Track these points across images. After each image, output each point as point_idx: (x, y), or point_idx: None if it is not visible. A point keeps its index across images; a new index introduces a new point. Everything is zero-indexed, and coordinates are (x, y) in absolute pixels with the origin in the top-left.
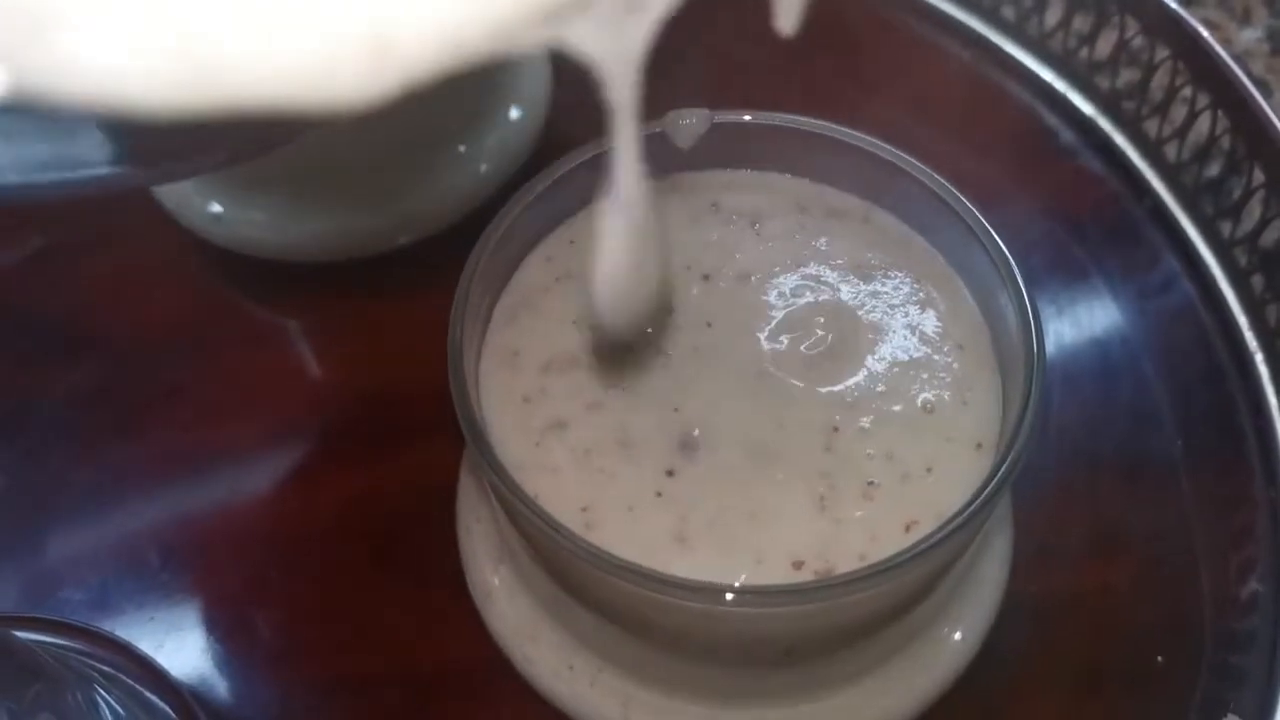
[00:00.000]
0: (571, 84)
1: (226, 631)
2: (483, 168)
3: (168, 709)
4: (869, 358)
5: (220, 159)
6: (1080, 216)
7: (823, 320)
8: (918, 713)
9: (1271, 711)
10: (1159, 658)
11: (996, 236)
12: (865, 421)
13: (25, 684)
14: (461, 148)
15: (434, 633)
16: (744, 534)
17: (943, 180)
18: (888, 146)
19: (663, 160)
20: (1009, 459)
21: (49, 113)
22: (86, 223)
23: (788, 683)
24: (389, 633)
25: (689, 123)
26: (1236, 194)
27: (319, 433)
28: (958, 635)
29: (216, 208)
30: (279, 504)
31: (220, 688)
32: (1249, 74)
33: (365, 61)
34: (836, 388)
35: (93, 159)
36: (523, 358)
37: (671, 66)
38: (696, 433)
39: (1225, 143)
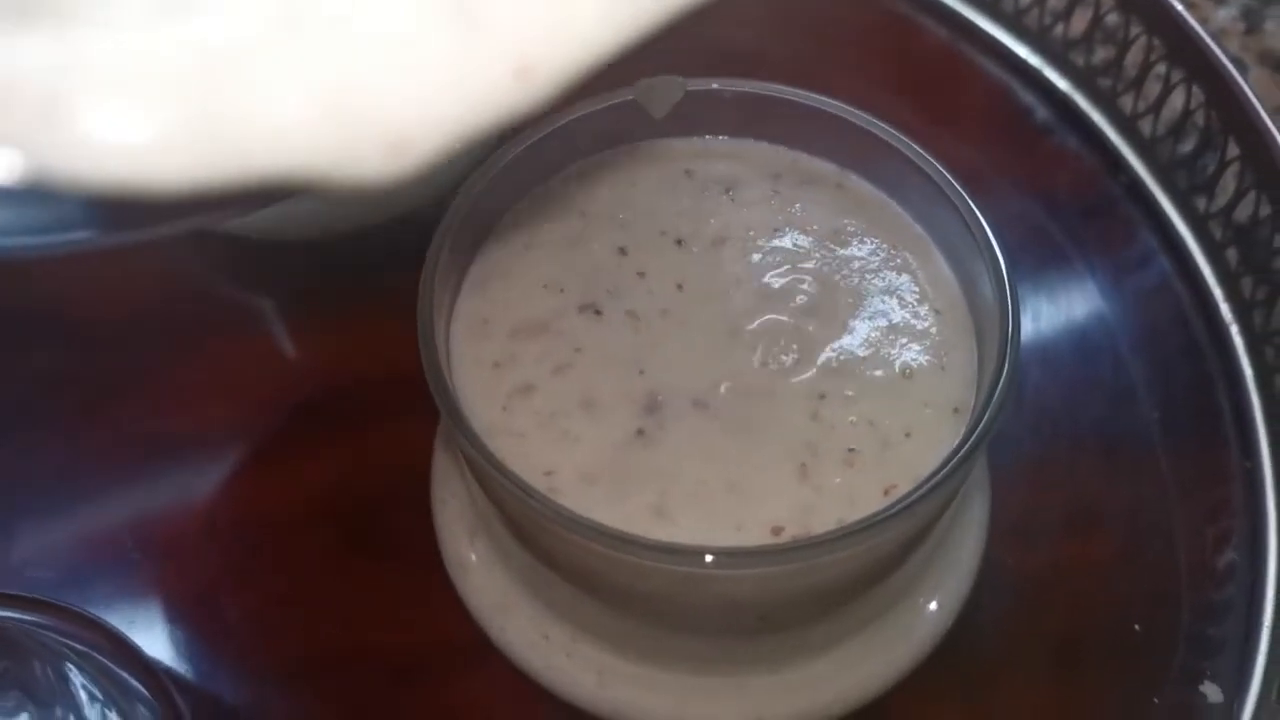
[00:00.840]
0: None
1: (199, 611)
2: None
3: (140, 687)
4: (849, 322)
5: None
6: (1056, 193)
7: (800, 285)
8: (894, 681)
9: (1248, 680)
10: (1136, 627)
11: (971, 202)
12: (849, 389)
13: None
14: None
15: (409, 610)
16: (721, 500)
17: (917, 147)
18: (861, 113)
19: (636, 128)
20: (984, 421)
21: (62, 194)
22: None
23: (763, 651)
24: (364, 610)
25: (662, 90)
26: (1211, 168)
27: (292, 414)
28: (934, 605)
29: None
30: (252, 485)
31: (193, 666)
32: (1224, 51)
33: (382, 152)
34: (819, 355)
35: (77, 221)
36: (492, 324)
37: (639, 47)
38: (660, 396)
39: (1199, 118)
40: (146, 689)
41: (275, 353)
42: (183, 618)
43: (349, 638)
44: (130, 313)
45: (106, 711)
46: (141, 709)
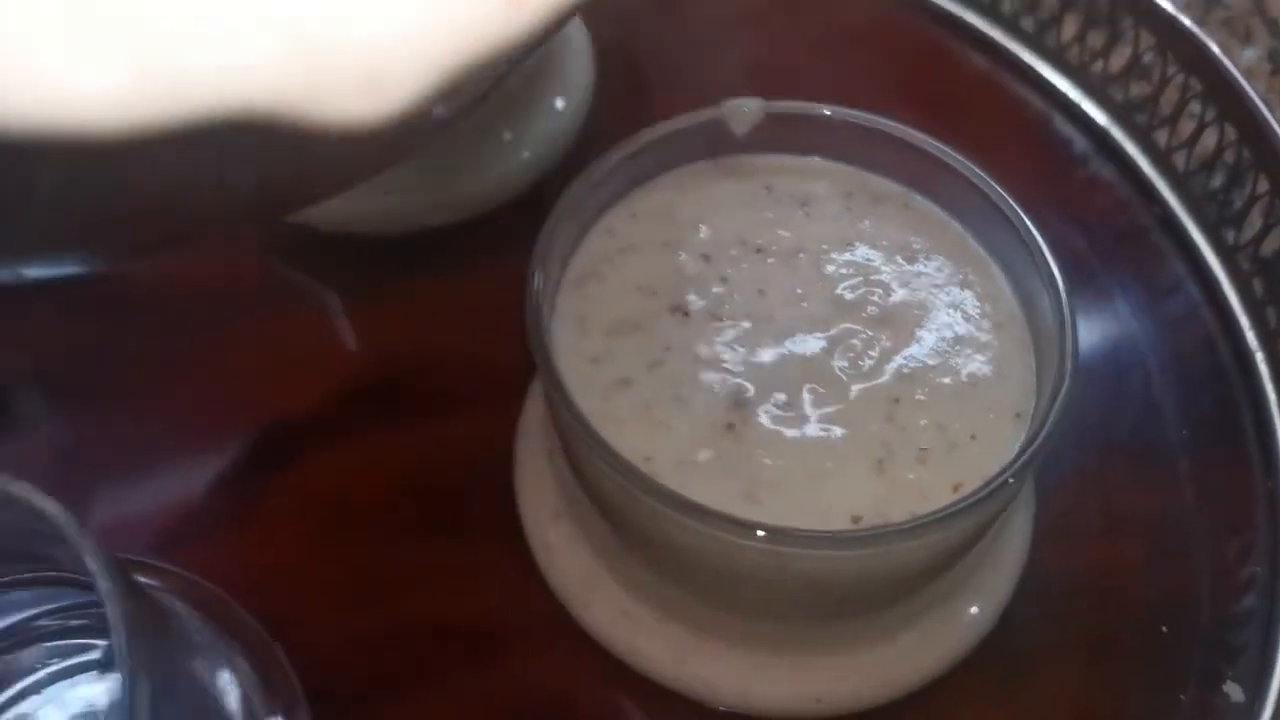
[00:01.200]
0: (614, 74)
1: (286, 586)
2: (525, 155)
3: (242, 645)
4: (917, 332)
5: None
6: (1091, 220)
7: (871, 296)
8: (944, 671)
9: (1267, 682)
10: (1164, 629)
11: (1030, 225)
12: (920, 394)
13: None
14: (507, 135)
15: (491, 588)
16: (805, 490)
17: (980, 171)
18: (927, 137)
19: (719, 144)
20: (1047, 426)
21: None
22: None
23: (831, 636)
24: (444, 587)
25: (744, 110)
26: (1239, 203)
27: (367, 402)
28: (980, 603)
29: None
30: (333, 464)
31: (285, 637)
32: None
33: (357, 88)
34: (891, 362)
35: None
36: (590, 322)
37: (705, 68)
38: (747, 394)
39: (1230, 155)
40: (250, 647)
41: (358, 338)
42: (265, 590)
43: (429, 614)
44: (206, 295)
45: (223, 670)
46: (243, 662)
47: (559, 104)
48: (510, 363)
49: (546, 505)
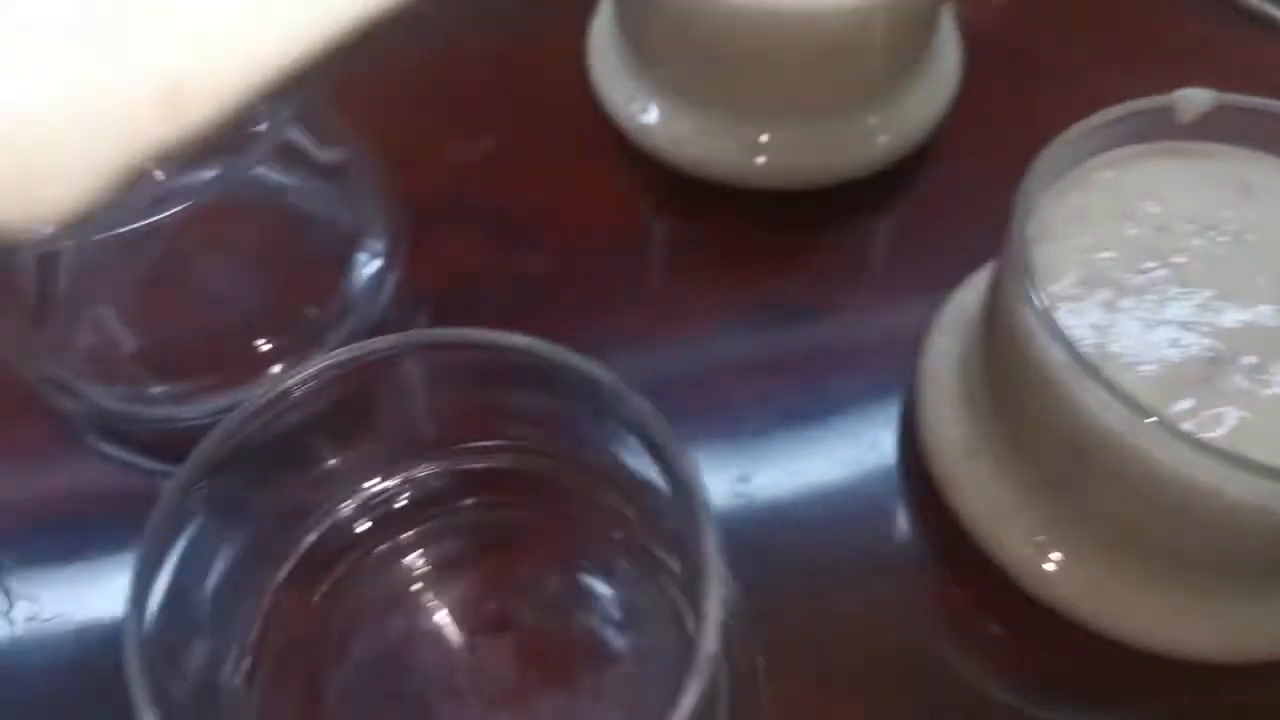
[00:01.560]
0: (980, 64)
1: None
2: (882, 139)
3: None
4: None
5: None
6: None
7: None
8: None
9: None
10: None
11: None
12: None
13: None
14: (872, 120)
15: (897, 521)
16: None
17: None
18: None
19: (1168, 129)
20: None
21: None
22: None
23: (1238, 586)
24: (857, 516)
25: (1194, 99)
26: None
27: (763, 341)
28: None
29: (651, 118)
30: (728, 398)
31: None
32: None
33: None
34: None
35: None
36: (1056, 274)
37: (1063, 62)
38: (1220, 354)
39: None
40: None
41: (753, 283)
42: None
43: (846, 535)
44: (580, 233)
45: None
46: None
47: (925, 93)
48: (895, 316)
49: (956, 443)
